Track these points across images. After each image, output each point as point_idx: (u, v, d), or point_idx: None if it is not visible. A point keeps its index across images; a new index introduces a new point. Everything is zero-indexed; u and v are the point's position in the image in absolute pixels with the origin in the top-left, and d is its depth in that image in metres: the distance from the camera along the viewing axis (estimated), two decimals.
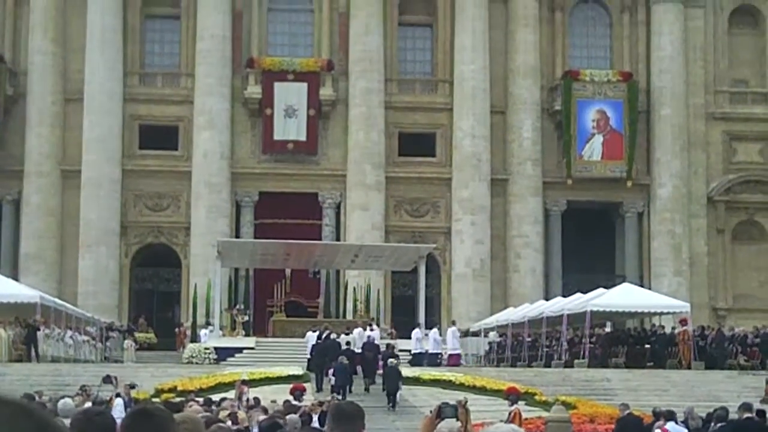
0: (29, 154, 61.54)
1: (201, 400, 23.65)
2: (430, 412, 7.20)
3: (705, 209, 64.01)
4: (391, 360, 38.29)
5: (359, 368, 40.52)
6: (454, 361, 47.94)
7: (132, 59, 63.15)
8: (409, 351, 47.12)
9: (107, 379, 30.98)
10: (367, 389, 39.43)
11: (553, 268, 63.39)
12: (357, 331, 46.35)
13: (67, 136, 61.97)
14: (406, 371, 40.40)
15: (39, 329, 44.17)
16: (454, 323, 51.46)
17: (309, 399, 30.87)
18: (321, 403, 23.48)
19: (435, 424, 6.94)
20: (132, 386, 30.96)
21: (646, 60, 64.80)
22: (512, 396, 29.94)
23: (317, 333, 44.31)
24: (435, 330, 49.11)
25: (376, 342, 43.15)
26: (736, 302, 63.39)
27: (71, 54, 62.26)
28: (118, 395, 27.45)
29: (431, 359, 46.91)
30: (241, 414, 17.69)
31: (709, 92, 65.01)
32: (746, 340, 48.74)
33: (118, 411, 23.70)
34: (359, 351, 42.23)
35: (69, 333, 47.56)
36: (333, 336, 43.41)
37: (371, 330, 46.08)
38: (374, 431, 10.64)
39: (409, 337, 49.52)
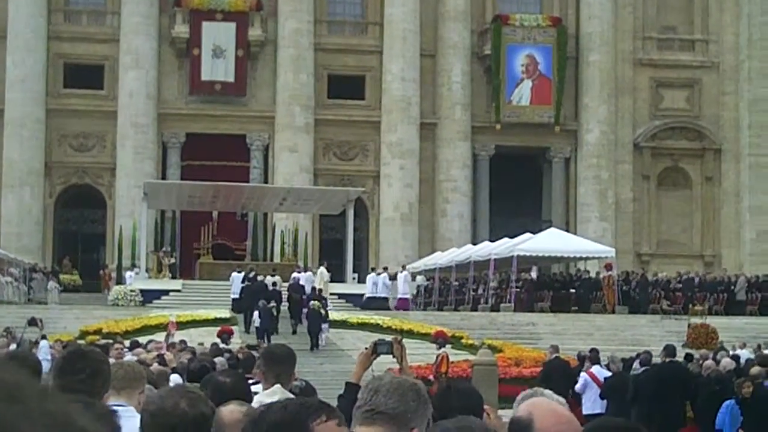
0: None
1: (127, 342, 23.46)
2: (365, 348, 7.17)
3: (631, 155, 64.55)
4: (313, 302, 38.50)
5: (286, 309, 40.69)
6: (404, 305, 48.22)
7: None
8: (338, 295, 47.38)
9: (32, 322, 30.59)
10: (294, 331, 39.58)
11: (481, 212, 63.68)
12: (307, 275, 46.35)
13: None
14: (335, 315, 40.61)
15: None
16: (404, 268, 51.36)
17: (237, 342, 30.79)
18: (250, 347, 23.40)
19: (371, 360, 6.91)
20: (64, 346, 30.41)
21: (575, 5, 64.88)
22: (440, 340, 30.20)
23: (242, 274, 44.37)
24: (385, 275, 49.44)
25: (302, 284, 43.28)
26: (660, 248, 64.21)
27: None
28: (43, 337, 27.15)
29: (381, 303, 47.37)
30: (169, 355, 17.59)
31: (638, 38, 65.32)
32: (669, 285, 49.56)
33: (44, 353, 23.48)
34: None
35: None
36: (260, 278, 43.40)
37: (299, 273, 46.24)
38: (301, 374, 10.65)
39: (339, 281, 49.87)
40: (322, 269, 47.06)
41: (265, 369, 7.59)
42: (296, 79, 61.44)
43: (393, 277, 49.72)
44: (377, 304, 46.98)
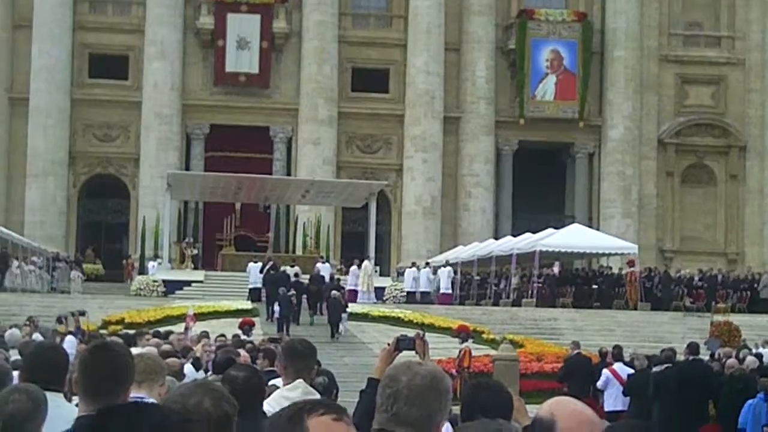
0: None
1: (151, 332, 23.49)
2: (388, 345, 7.14)
3: (655, 151, 64.29)
4: (334, 292, 38.60)
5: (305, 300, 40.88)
6: (447, 300, 48.30)
7: None
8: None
9: (60, 320, 30.70)
10: (312, 322, 39.68)
11: (504, 207, 63.56)
12: (352, 269, 47.64)
13: (16, 64, 60.97)
14: (356, 307, 40.72)
15: None
16: (447, 263, 51.25)
17: (258, 333, 30.83)
18: (272, 340, 23.40)
19: (393, 356, 6.89)
20: (81, 313, 30.72)
21: (600, 1, 64.65)
22: (463, 334, 30.14)
23: (259, 264, 44.50)
24: (427, 269, 49.57)
25: (322, 274, 43.37)
26: (683, 244, 63.95)
27: None
28: (70, 332, 27.22)
29: (424, 297, 47.65)
30: (199, 347, 17.71)
31: (663, 34, 65.03)
32: (692, 282, 49.34)
33: (69, 346, 23.52)
34: (349, 288, 43.66)
35: (15, 263, 47.13)
36: (282, 268, 43.44)
37: (322, 263, 46.65)
38: (322, 366, 10.59)
39: None
40: (367, 263, 47.47)
41: (286, 364, 7.57)
42: (320, 72, 61.43)
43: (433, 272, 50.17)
44: (420, 298, 47.42)
